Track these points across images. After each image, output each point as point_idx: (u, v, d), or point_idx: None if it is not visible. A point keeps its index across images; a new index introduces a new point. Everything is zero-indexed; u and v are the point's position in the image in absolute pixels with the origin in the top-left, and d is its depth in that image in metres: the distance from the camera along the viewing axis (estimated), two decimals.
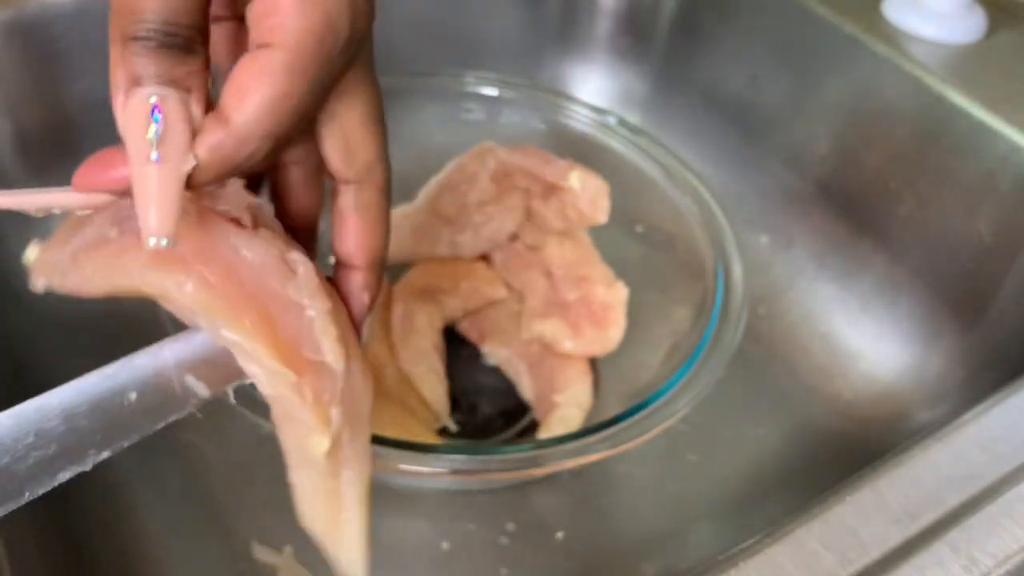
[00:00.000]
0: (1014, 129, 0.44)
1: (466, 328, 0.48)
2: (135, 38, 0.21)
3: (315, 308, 0.23)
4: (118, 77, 0.21)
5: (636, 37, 0.61)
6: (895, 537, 0.28)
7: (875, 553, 0.28)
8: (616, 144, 0.47)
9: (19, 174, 0.48)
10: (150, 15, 0.21)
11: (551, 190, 0.46)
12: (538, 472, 0.34)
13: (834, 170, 0.52)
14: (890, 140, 0.49)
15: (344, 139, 0.24)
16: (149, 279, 0.22)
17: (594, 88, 0.63)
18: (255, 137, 0.21)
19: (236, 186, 0.24)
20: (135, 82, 0.21)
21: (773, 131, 0.55)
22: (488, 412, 0.46)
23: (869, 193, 0.51)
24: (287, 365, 0.22)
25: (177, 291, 0.22)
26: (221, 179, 0.22)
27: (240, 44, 0.25)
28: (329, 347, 0.23)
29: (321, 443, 0.23)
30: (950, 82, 0.47)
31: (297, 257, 0.23)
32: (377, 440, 0.31)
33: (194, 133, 0.21)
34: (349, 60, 0.23)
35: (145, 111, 0.21)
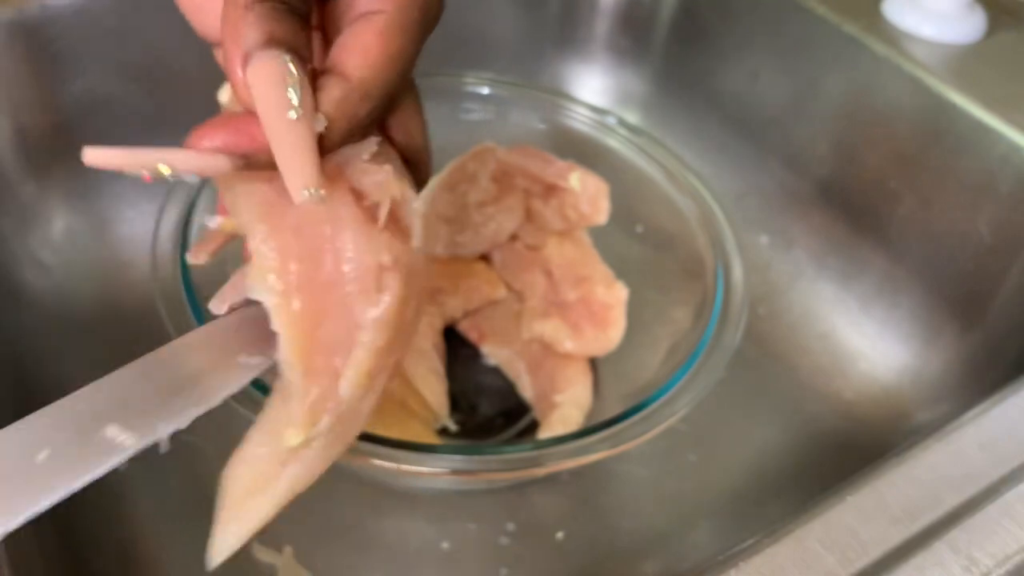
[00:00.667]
0: (1014, 129, 0.44)
1: (466, 328, 0.48)
2: (253, 2, 0.21)
3: (366, 339, 0.22)
4: (244, 38, 0.21)
5: (636, 37, 0.61)
6: (895, 537, 0.28)
7: (875, 553, 0.28)
8: (616, 144, 0.47)
9: (19, 174, 0.48)
10: None
11: (551, 190, 0.46)
12: (538, 472, 0.34)
13: (834, 170, 0.52)
14: (890, 140, 0.49)
15: (405, 130, 0.26)
16: (250, 213, 0.23)
17: (594, 88, 0.63)
18: (376, 91, 0.23)
19: (385, 171, 0.23)
20: (263, 44, 0.21)
21: (773, 131, 0.55)
22: (488, 412, 0.46)
23: (869, 193, 0.51)
24: (304, 360, 0.22)
25: (258, 242, 0.22)
26: (346, 138, 0.23)
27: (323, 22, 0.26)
28: (351, 377, 0.22)
29: (293, 437, 0.23)
30: (950, 82, 0.47)
31: (391, 283, 0.23)
32: (377, 440, 0.31)
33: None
34: (428, 35, 0.24)
35: (280, 70, 0.21)
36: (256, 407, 0.31)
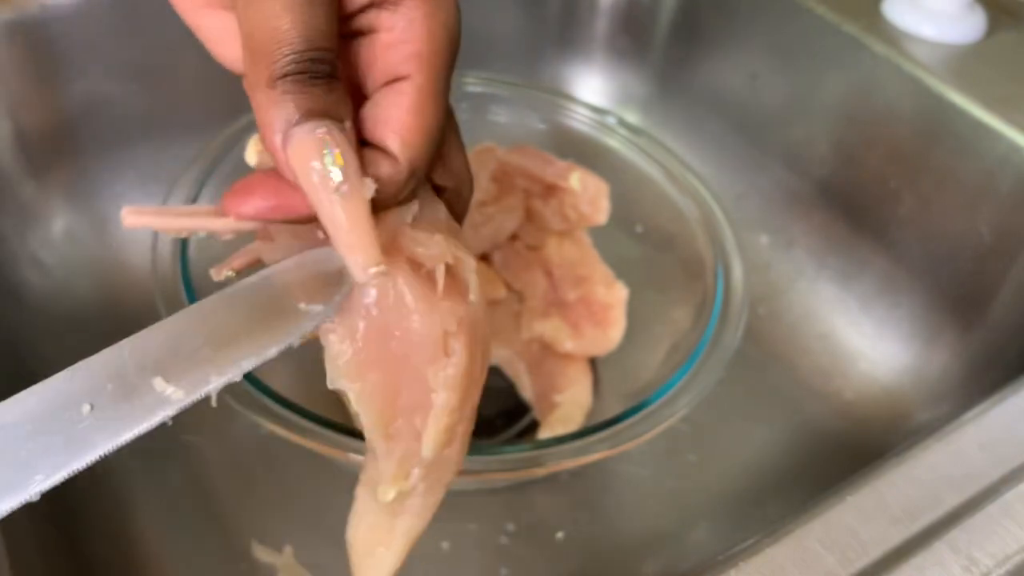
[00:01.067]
0: (1014, 129, 0.44)
1: None
2: (284, 76, 0.20)
3: (441, 400, 0.23)
4: (274, 120, 0.21)
5: (636, 37, 0.61)
6: (895, 537, 0.28)
7: (875, 553, 0.28)
8: (616, 144, 0.47)
9: (19, 174, 0.48)
10: (297, 47, 0.21)
11: (551, 191, 0.46)
12: (538, 472, 0.34)
13: (834, 170, 0.52)
14: (890, 140, 0.49)
15: (443, 155, 0.25)
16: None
17: (594, 88, 0.63)
18: (421, 164, 0.22)
19: (437, 242, 0.23)
20: (297, 121, 0.21)
21: (773, 131, 0.55)
22: (488, 412, 0.46)
23: (869, 193, 0.51)
24: (385, 427, 0.23)
25: (326, 330, 0.23)
26: (393, 204, 0.23)
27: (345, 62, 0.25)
28: (432, 435, 0.23)
29: (387, 493, 0.24)
30: (950, 82, 0.47)
31: (458, 347, 0.23)
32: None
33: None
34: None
35: (317, 146, 0.20)
36: (257, 407, 0.31)
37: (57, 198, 0.49)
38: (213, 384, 0.20)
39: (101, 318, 0.47)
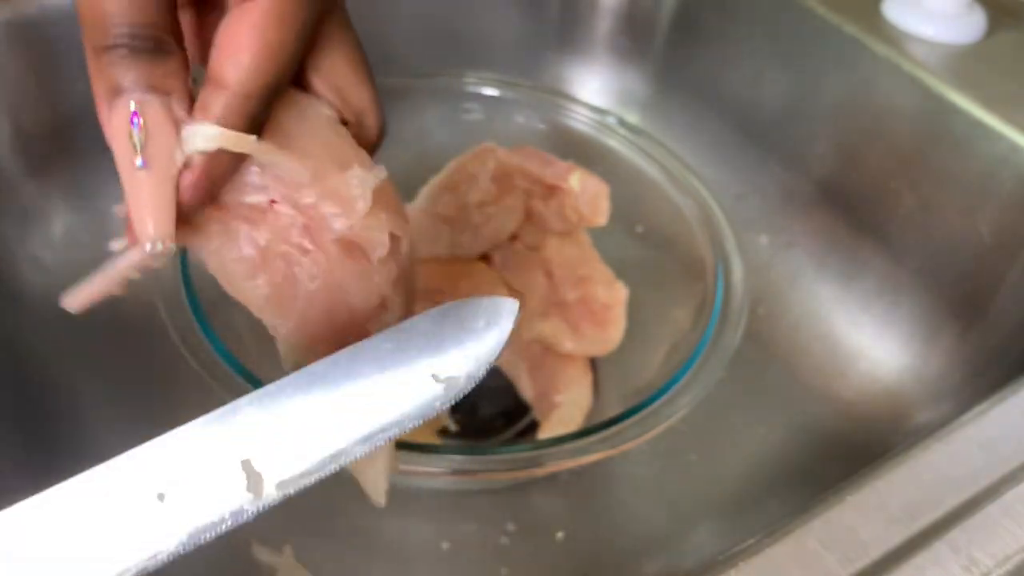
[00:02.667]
0: (1014, 129, 0.44)
1: None
2: (107, 47, 0.21)
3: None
4: (98, 89, 0.21)
5: (636, 37, 0.61)
6: (895, 537, 0.28)
7: (875, 553, 0.28)
8: (616, 144, 0.47)
9: (19, 174, 0.48)
10: (117, 21, 0.21)
11: (551, 191, 0.46)
12: (538, 472, 0.34)
13: (834, 170, 0.52)
14: (890, 140, 0.49)
15: (336, 87, 0.25)
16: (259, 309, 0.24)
17: (594, 88, 0.63)
18: (257, 90, 0.22)
19: (383, 219, 0.24)
20: (114, 92, 0.21)
21: (773, 131, 0.55)
22: (488, 412, 0.46)
23: (869, 193, 0.51)
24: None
25: (281, 337, 0.24)
26: (244, 143, 0.22)
27: (205, 29, 0.25)
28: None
29: None
30: (950, 82, 0.47)
31: (396, 300, 0.24)
32: None
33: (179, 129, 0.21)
34: (327, 3, 0.23)
35: (127, 120, 0.21)
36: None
37: (57, 198, 0.49)
38: (309, 477, 0.18)
39: (101, 318, 0.47)
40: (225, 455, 0.18)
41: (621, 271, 0.47)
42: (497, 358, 0.19)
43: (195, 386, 0.45)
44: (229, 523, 0.17)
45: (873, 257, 0.51)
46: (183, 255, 0.35)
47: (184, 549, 0.17)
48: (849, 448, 0.47)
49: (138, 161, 0.21)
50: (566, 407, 0.43)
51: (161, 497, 0.17)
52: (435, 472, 0.31)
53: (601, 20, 0.62)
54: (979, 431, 0.32)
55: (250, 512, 0.17)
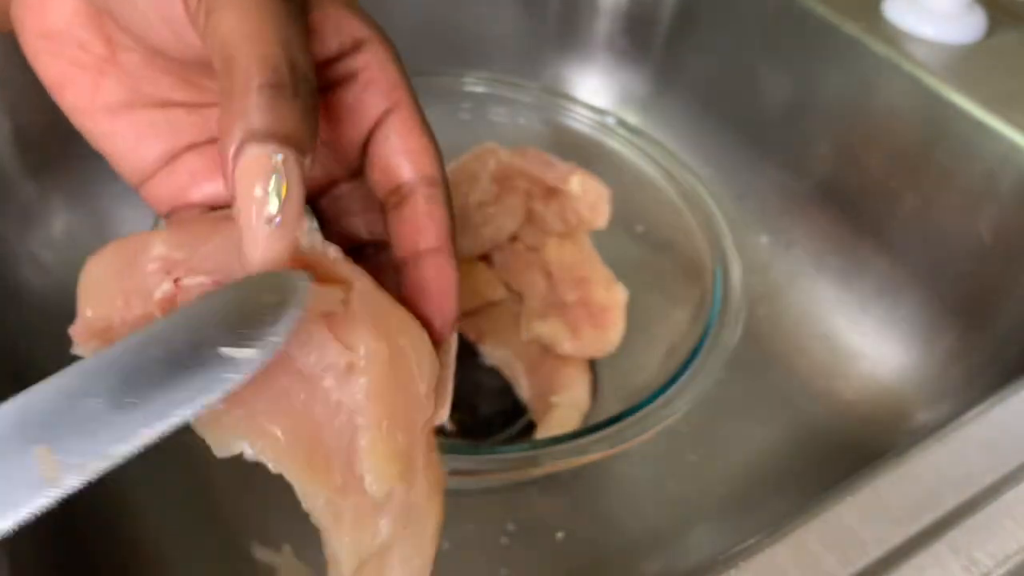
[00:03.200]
0: (1014, 129, 0.44)
1: (464, 328, 0.48)
2: (261, 86, 0.19)
3: (366, 416, 0.19)
4: (234, 128, 0.19)
5: (636, 37, 0.61)
6: (895, 537, 0.28)
7: (875, 553, 0.28)
8: (616, 145, 0.47)
9: (19, 174, 0.48)
10: (279, 55, 0.19)
11: (552, 193, 0.46)
12: (537, 472, 0.34)
13: (834, 170, 0.52)
14: (890, 140, 0.49)
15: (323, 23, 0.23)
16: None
17: (594, 88, 0.63)
18: (440, 175, 0.24)
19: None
20: (254, 136, 0.19)
21: (773, 131, 0.55)
22: (486, 412, 0.46)
23: (869, 193, 0.51)
24: (321, 482, 0.20)
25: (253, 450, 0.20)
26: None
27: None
28: (371, 467, 0.19)
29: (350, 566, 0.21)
30: (950, 82, 0.47)
31: (363, 351, 0.20)
32: None
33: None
34: None
35: (266, 170, 0.19)
36: None
37: (57, 198, 0.49)
38: (107, 458, 0.17)
39: None
40: (15, 444, 0.17)
41: (621, 271, 0.47)
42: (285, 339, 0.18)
43: None
44: (25, 512, 0.16)
45: (873, 257, 0.51)
46: None
47: None
48: (849, 448, 0.47)
49: (276, 219, 0.19)
50: (564, 408, 0.43)
51: None
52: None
53: (601, 20, 0.62)
54: (979, 431, 0.32)
55: (43, 502, 0.17)
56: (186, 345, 0.18)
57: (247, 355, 0.18)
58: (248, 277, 0.19)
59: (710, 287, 0.39)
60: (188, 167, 0.25)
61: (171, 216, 0.25)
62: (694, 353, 0.36)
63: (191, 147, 0.25)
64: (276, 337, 0.18)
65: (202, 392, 0.17)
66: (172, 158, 0.25)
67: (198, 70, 0.23)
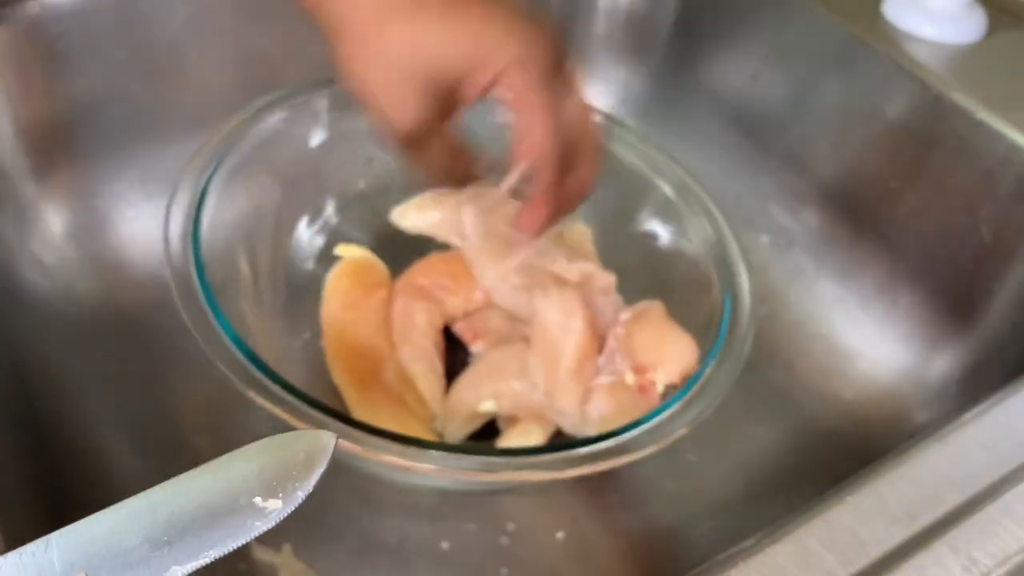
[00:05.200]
0: (1014, 129, 0.44)
1: (462, 329, 0.48)
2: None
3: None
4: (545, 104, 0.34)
5: (636, 37, 0.61)
6: (895, 537, 0.28)
7: (875, 553, 0.28)
8: (616, 146, 0.47)
9: (19, 174, 0.48)
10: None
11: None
12: (537, 477, 0.34)
13: (834, 170, 0.52)
14: (890, 140, 0.49)
15: None
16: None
17: (594, 88, 0.63)
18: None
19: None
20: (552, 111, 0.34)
21: (773, 131, 0.55)
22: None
23: (869, 193, 0.51)
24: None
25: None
26: None
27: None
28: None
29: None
30: (950, 82, 0.47)
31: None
32: (378, 433, 0.31)
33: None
34: None
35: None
36: (255, 407, 0.31)
37: (57, 198, 0.49)
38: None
39: (101, 318, 0.47)
40: (65, 569, 0.18)
41: (622, 274, 0.46)
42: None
43: (195, 382, 0.45)
44: None
45: (873, 257, 0.51)
46: (196, 243, 0.36)
47: None
48: (849, 448, 0.47)
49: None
50: (526, 421, 0.42)
51: None
52: (434, 470, 0.31)
53: (601, 20, 0.62)
54: (979, 431, 0.32)
55: None
56: (223, 495, 0.20)
57: (275, 506, 0.20)
58: (283, 435, 0.21)
59: (719, 302, 0.39)
60: None
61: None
62: (700, 370, 0.36)
63: None
64: (302, 492, 0.21)
65: (232, 537, 0.20)
66: None
67: None
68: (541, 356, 0.40)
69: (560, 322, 0.40)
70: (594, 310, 0.41)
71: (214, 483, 0.21)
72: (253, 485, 0.20)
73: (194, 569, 0.19)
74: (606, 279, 0.43)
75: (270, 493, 0.20)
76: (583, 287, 0.42)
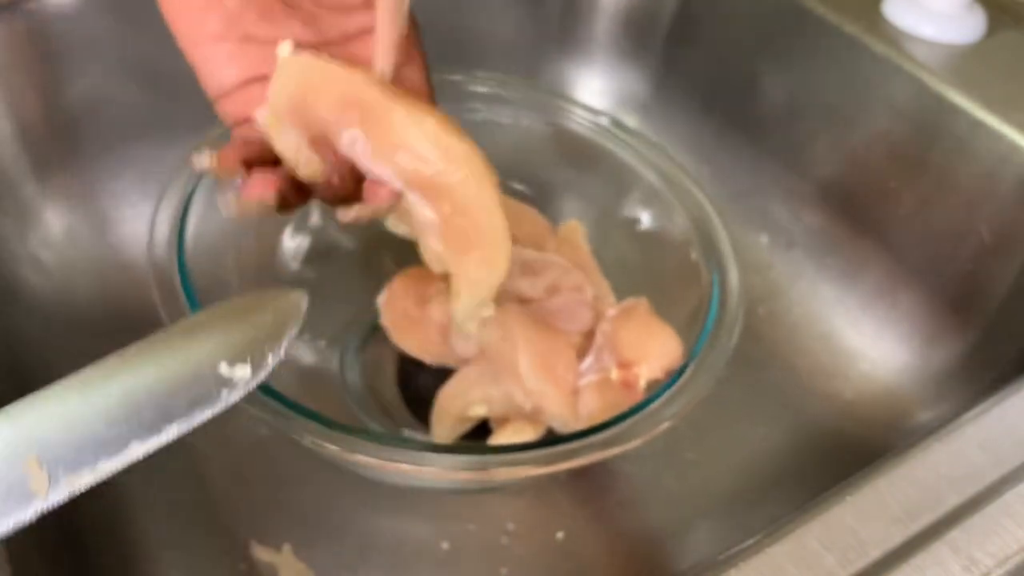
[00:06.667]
0: (1014, 129, 0.44)
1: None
2: None
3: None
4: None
5: (636, 37, 0.61)
6: (895, 537, 0.28)
7: (875, 553, 0.28)
8: (615, 146, 0.47)
9: (19, 174, 0.48)
10: None
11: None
12: (536, 472, 0.34)
13: (834, 170, 0.52)
14: (890, 140, 0.49)
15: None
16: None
17: (594, 89, 0.63)
18: None
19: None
20: None
21: (773, 131, 0.55)
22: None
23: (869, 193, 0.51)
24: None
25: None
26: None
27: None
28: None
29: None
30: (950, 82, 0.47)
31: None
32: (378, 435, 0.31)
33: None
34: None
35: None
36: (255, 408, 0.31)
37: (57, 198, 0.49)
38: (96, 472, 0.17)
39: (101, 318, 0.47)
40: (12, 452, 0.17)
41: (620, 272, 0.47)
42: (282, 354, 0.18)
43: None
44: (11, 522, 0.16)
45: (873, 257, 0.51)
46: (180, 244, 0.35)
47: None
48: (849, 448, 0.47)
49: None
50: (517, 420, 0.42)
51: None
52: (433, 471, 0.31)
53: (601, 20, 0.62)
54: (979, 431, 0.32)
55: (37, 509, 0.17)
56: (184, 363, 0.18)
57: (242, 373, 0.18)
58: (250, 294, 0.19)
59: (707, 291, 0.39)
60: (254, 93, 0.30)
61: (234, 130, 0.31)
62: (691, 357, 0.36)
63: (259, 78, 0.30)
64: (272, 357, 0.18)
65: (197, 408, 0.18)
66: (245, 83, 0.30)
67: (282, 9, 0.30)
68: (503, 373, 0.40)
69: (500, 336, 0.39)
70: (559, 313, 0.41)
71: (174, 350, 0.18)
72: (217, 350, 0.18)
73: (157, 446, 0.18)
74: (575, 279, 0.43)
75: (237, 358, 0.18)
76: (539, 297, 0.42)
